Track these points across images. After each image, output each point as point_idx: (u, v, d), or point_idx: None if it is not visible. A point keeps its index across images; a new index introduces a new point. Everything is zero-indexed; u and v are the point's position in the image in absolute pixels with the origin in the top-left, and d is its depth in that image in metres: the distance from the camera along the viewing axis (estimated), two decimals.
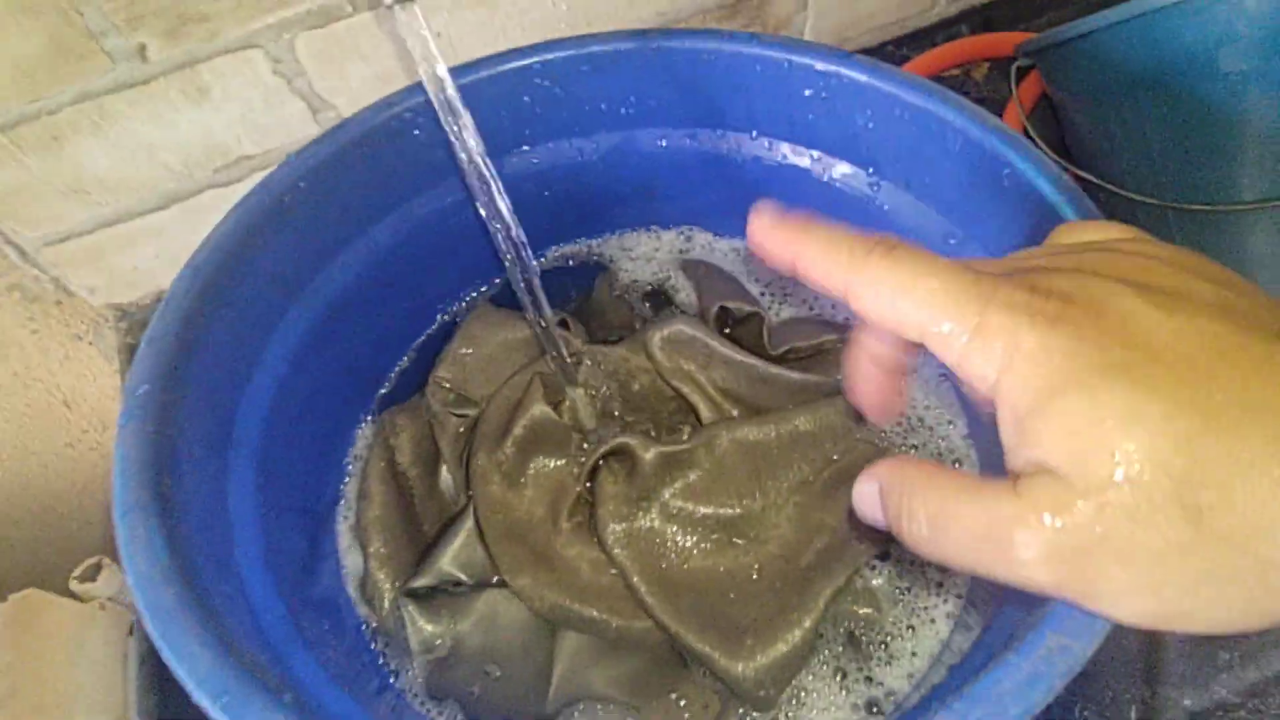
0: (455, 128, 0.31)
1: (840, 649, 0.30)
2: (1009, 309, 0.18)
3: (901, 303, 0.19)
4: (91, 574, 0.54)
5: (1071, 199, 0.27)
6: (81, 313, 0.48)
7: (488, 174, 0.32)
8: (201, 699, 0.20)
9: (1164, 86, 0.39)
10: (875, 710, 0.29)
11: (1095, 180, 0.44)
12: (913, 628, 0.30)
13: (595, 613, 0.32)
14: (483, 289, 0.40)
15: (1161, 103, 0.39)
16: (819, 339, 0.36)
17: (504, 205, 0.33)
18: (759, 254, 0.22)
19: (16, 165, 0.38)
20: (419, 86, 0.34)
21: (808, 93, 0.34)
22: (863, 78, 0.32)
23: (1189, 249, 0.21)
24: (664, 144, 0.38)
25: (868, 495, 0.21)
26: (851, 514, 0.32)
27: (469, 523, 0.34)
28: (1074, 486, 0.17)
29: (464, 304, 0.40)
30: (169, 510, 0.24)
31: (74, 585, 0.54)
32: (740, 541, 0.32)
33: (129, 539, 0.23)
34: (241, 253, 0.30)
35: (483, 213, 0.33)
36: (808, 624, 0.30)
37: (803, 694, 0.29)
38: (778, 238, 0.21)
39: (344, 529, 0.35)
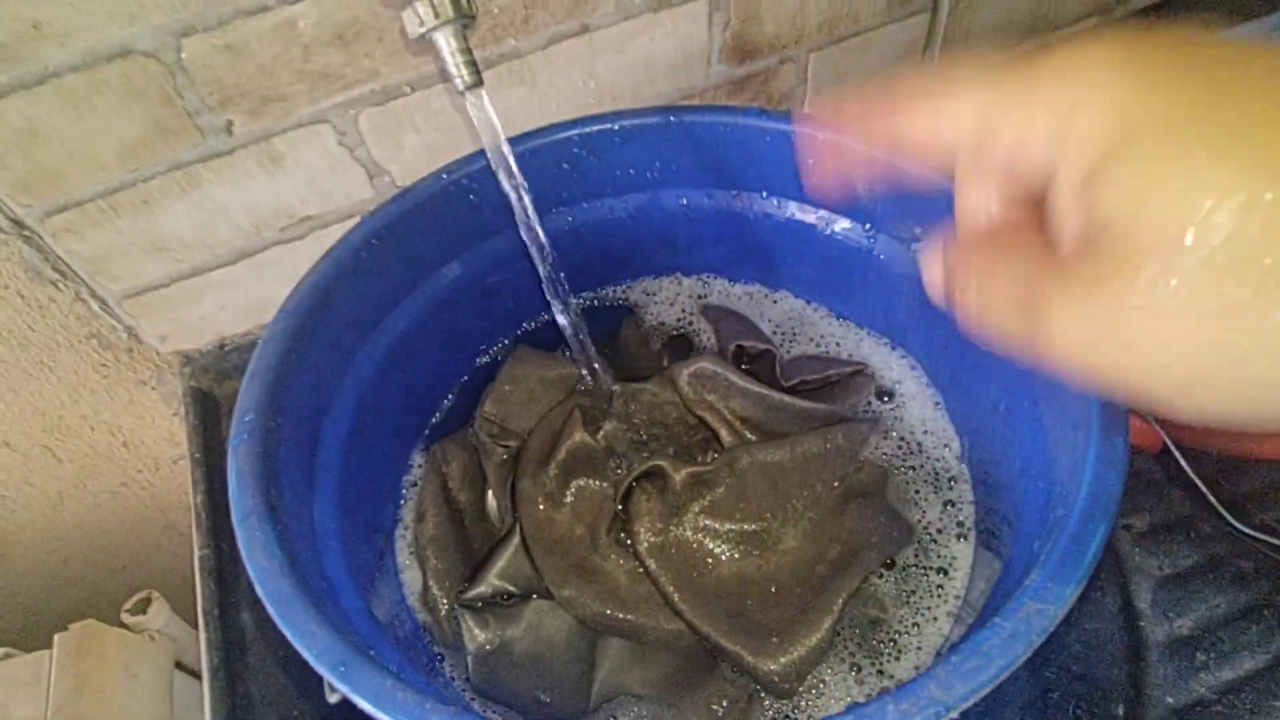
0: (512, 190, 0.36)
1: (855, 646, 0.34)
2: (1074, 52, 0.16)
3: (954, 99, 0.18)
4: (141, 607, 0.58)
5: None
6: (149, 359, 0.52)
7: (539, 230, 0.37)
8: (322, 669, 0.24)
9: None
10: None
11: None
12: (917, 625, 0.34)
13: (633, 618, 0.36)
14: (518, 333, 0.45)
15: None
16: (826, 373, 0.40)
17: (550, 253, 0.38)
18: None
19: (111, 228, 0.43)
20: (476, 155, 0.39)
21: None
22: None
23: None
24: (685, 202, 0.43)
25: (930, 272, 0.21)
26: (860, 526, 0.36)
27: (516, 540, 0.38)
28: (1139, 245, 0.15)
29: (502, 345, 0.44)
30: (278, 518, 0.28)
31: (125, 618, 0.57)
32: (761, 552, 0.36)
33: (249, 539, 0.27)
34: (326, 299, 0.35)
35: (537, 263, 0.38)
36: (826, 624, 0.34)
37: (821, 685, 0.33)
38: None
39: (402, 547, 0.39)
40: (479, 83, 0.34)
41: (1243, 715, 0.39)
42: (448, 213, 0.40)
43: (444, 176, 0.39)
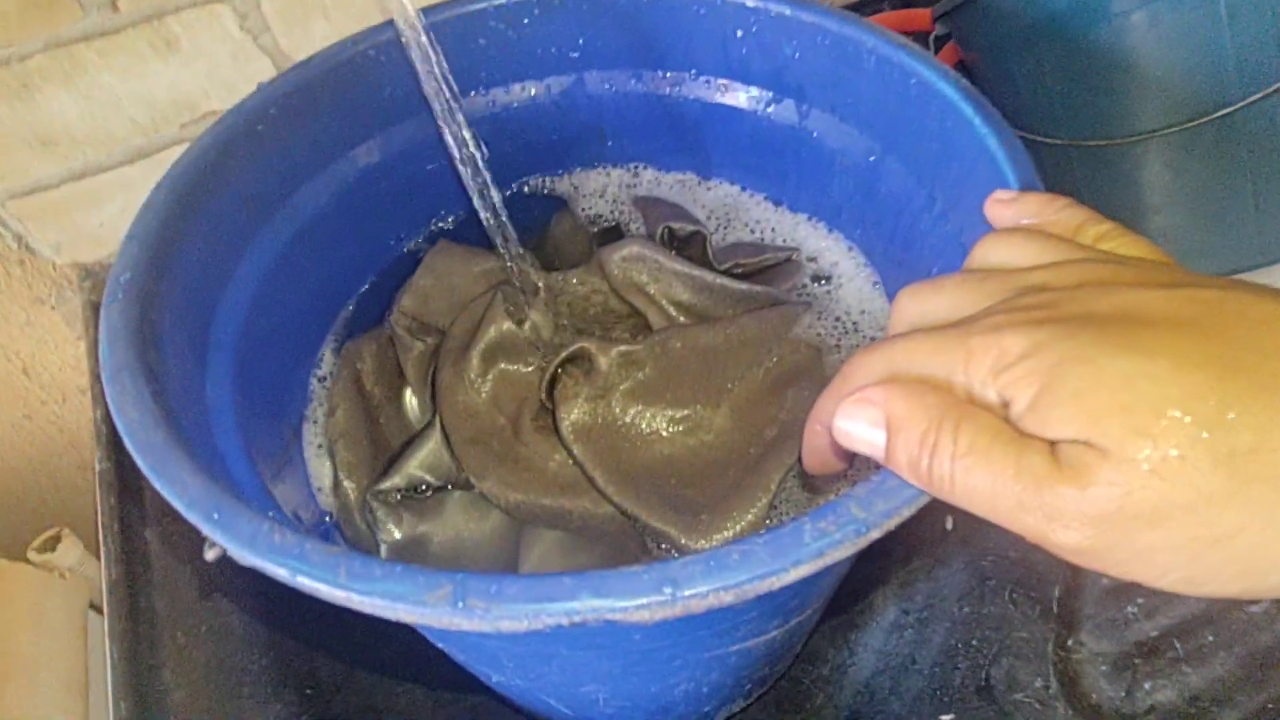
0: (426, 65, 0.33)
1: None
2: (991, 330, 0.18)
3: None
4: (50, 545, 0.55)
5: (970, 99, 0.31)
6: (44, 274, 0.49)
7: (456, 109, 0.35)
8: (193, 515, 0.22)
9: (1059, 33, 0.43)
10: None
11: None
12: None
13: (559, 503, 0.34)
14: (439, 223, 0.42)
15: (1057, 48, 0.44)
16: (759, 257, 0.39)
17: (470, 139, 0.36)
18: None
19: None
20: (384, 26, 0.36)
21: (739, 32, 0.38)
22: (787, 10, 0.36)
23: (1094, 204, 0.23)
24: (610, 87, 0.41)
25: (857, 424, 0.20)
26: (795, 406, 0.35)
27: (436, 430, 0.36)
28: (1100, 452, 0.16)
29: (420, 239, 0.42)
30: (154, 378, 0.26)
31: (33, 556, 0.54)
32: (693, 432, 0.35)
33: (118, 393, 0.24)
34: (217, 167, 0.32)
35: (451, 147, 0.35)
36: (763, 501, 0.32)
37: None
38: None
39: (310, 443, 0.37)
40: None
41: (1174, 596, 0.39)
42: (357, 88, 0.37)
43: (351, 46, 0.36)
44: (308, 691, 0.39)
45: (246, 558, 0.21)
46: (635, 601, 0.19)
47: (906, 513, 0.21)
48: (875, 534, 0.21)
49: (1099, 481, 0.16)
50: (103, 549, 0.39)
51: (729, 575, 0.20)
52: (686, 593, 0.20)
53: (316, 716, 0.38)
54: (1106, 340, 0.17)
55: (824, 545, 0.20)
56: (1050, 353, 0.17)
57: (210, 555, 0.22)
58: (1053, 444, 0.17)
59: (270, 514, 0.23)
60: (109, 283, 0.28)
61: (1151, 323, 0.17)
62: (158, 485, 0.22)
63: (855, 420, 0.21)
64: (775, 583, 0.20)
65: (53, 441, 0.58)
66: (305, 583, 0.20)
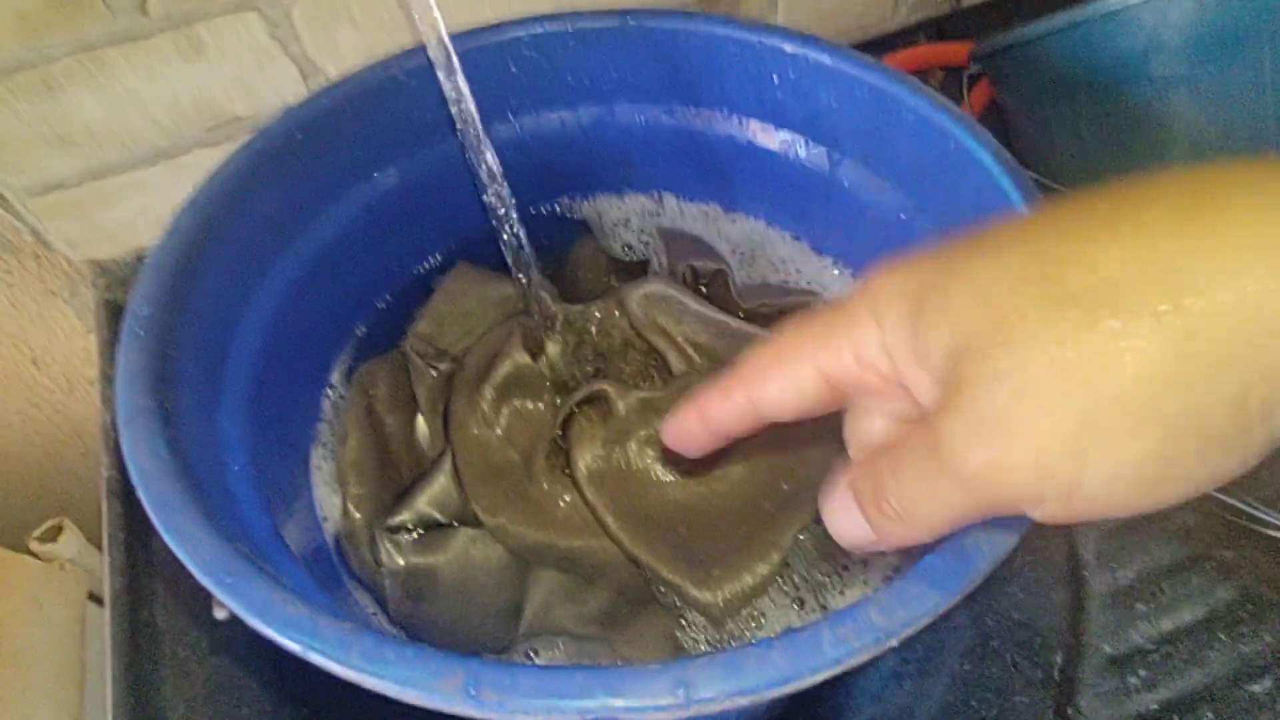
0: (453, 90, 0.33)
1: (799, 579, 0.32)
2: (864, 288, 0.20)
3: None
4: (51, 535, 0.54)
5: (1008, 171, 0.30)
6: (59, 268, 0.48)
7: (483, 135, 0.34)
8: (207, 580, 0.21)
9: (1099, 89, 0.42)
10: None
11: (1036, 177, 0.47)
12: (864, 562, 0.32)
13: (568, 545, 0.34)
14: (455, 247, 0.42)
15: (1096, 104, 0.43)
16: (784, 299, 0.38)
17: (495, 165, 0.35)
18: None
19: (10, 112, 0.39)
20: (415, 51, 0.36)
21: (775, 77, 0.37)
22: (827, 59, 0.35)
23: None
24: (641, 119, 0.40)
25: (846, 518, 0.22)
26: (817, 461, 0.35)
27: (447, 465, 0.35)
28: (975, 358, 0.17)
29: (436, 260, 0.42)
30: (169, 421, 0.26)
31: (34, 545, 0.54)
32: (707, 481, 0.34)
33: (133, 440, 0.24)
34: (241, 194, 0.32)
35: (479, 172, 0.35)
36: (775, 558, 0.32)
37: (762, 618, 0.31)
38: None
39: (319, 471, 0.36)
40: None
41: (1178, 665, 0.39)
42: (383, 112, 0.37)
43: (380, 70, 0.36)
44: (305, 711, 0.39)
45: (258, 627, 0.21)
46: (649, 702, 0.19)
47: (927, 621, 0.21)
48: (893, 643, 0.20)
49: (978, 388, 0.17)
50: (106, 558, 0.39)
51: (744, 679, 0.20)
52: (701, 695, 0.19)
53: None
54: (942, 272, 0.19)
55: (842, 654, 0.20)
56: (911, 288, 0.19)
57: (220, 615, 0.22)
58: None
59: (282, 576, 0.22)
60: (127, 316, 0.27)
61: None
62: (171, 544, 0.22)
63: (841, 520, 0.22)
64: (791, 688, 0.20)
65: (58, 431, 0.58)
66: (317, 659, 0.20)
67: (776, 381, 0.22)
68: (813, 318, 0.21)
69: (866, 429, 0.23)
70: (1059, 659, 0.39)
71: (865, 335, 0.20)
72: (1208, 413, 0.15)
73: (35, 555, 0.54)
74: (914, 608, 0.20)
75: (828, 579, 0.32)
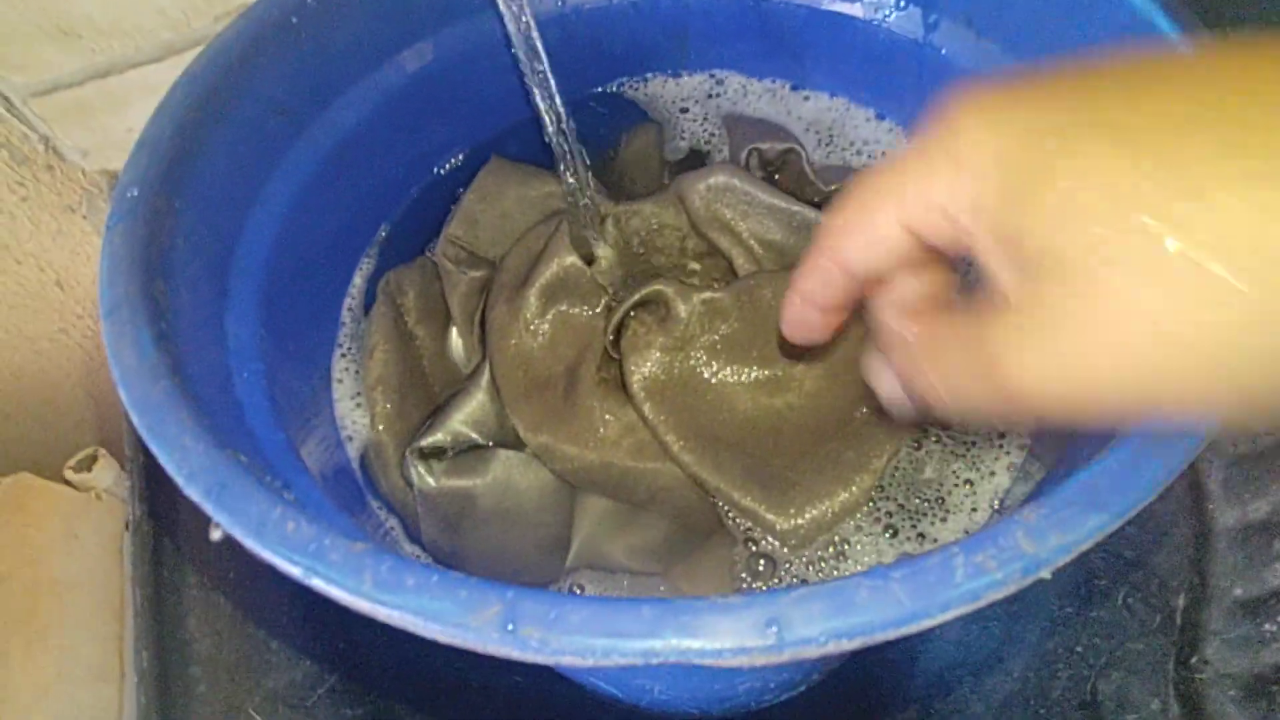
0: None
1: (893, 505, 0.28)
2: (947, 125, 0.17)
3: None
4: (87, 464, 0.53)
5: (1162, 6, 0.24)
6: (74, 181, 0.45)
7: (524, 12, 0.29)
8: (192, 490, 0.18)
9: None
10: None
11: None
12: (970, 482, 0.28)
13: (623, 468, 0.30)
14: (488, 139, 0.37)
15: None
16: None
17: (539, 43, 0.30)
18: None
19: (5, 3, 0.35)
20: None
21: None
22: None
23: None
24: None
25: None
26: None
27: (484, 379, 0.32)
28: (1083, 266, 0.15)
29: (468, 154, 0.37)
30: (160, 314, 0.22)
31: (69, 475, 0.52)
32: (784, 396, 0.30)
33: (115, 334, 0.21)
34: (242, 67, 0.28)
35: (517, 52, 0.30)
36: (866, 482, 0.28)
37: (846, 548, 0.27)
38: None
39: (341, 385, 0.33)
40: None
41: None
42: None
43: None
44: (340, 646, 0.36)
45: (251, 547, 0.17)
46: (732, 643, 0.15)
47: (1085, 548, 0.16)
48: (1045, 573, 0.16)
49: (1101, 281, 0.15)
50: (128, 483, 0.37)
51: (853, 615, 0.15)
52: (798, 634, 0.15)
53: (348, 674, 0.36)
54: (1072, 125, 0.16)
55: (980, 586, 0.15)
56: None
57: (215, 536, 0.19)
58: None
59: (289, 493, 0.19)
60: (114, 200, 0.24)
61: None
62: (153, 449, 0.19)
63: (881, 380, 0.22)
64: (913, 628, 0.15)
65: (90, 358, 0.56)
66: (320, 586, 0.16)
67: (855, 237, 0.20)
68: (889, 165, 0.19)
69: (908, 293, 0.21)
70: (1181, 601, 0.34)
71: (940, 186, 0.17)
72: None
73: (71, 485, 0.52)
74: (1070, 531, 0.16)
75: (927, 504, 0.28)
